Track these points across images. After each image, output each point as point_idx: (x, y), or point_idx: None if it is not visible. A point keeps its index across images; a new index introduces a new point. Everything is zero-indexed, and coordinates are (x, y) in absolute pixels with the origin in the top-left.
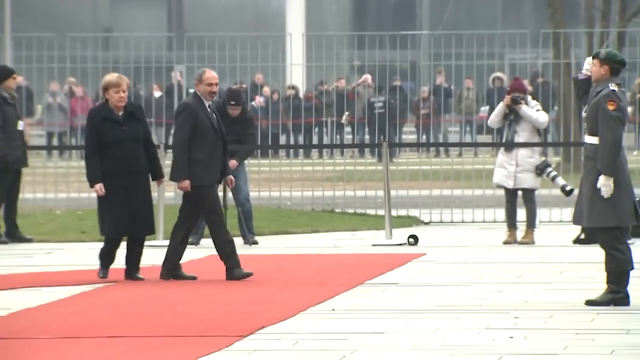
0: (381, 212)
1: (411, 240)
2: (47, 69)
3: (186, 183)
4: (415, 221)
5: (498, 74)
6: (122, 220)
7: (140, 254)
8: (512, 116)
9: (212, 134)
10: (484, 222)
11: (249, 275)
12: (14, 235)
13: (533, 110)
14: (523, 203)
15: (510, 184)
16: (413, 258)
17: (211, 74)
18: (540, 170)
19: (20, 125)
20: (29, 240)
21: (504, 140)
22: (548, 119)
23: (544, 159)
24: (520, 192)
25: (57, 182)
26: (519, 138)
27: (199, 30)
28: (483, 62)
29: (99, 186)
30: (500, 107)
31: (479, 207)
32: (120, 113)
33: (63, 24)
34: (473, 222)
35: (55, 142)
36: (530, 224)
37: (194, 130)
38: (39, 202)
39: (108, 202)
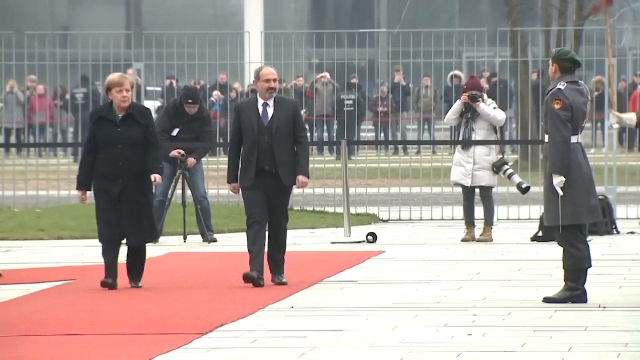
0: (340, 209)
1: (370, 237)
2: (4, 67)
3: (232, 186)
4: (374, 219)
5: (456, 72)
6: (109, 225)
7: (138, 262)
8: (469, 114)
9: (253, 134)
10: (442, 219)
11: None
12: None
13: (490, 108)
14: (481, 201)
15: (467, 182)
16: (372, 255)
17: (268, 70)
18: (497, 168)
19: None
20: None
21: (460, 138)
22: (505, 116)
23: (500, 156)
24: (477, 190)
25: (15, 180)
26: (476, 136)
27: (157, 28)
28: (441, 60)
29: (80, 193)
30: (457, 105)
31: (437, 204)
32: (122, 114)
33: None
34: (431, 219)
35: (13, 139)
36: (488, 221)
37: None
38: None
39: (97, 206)
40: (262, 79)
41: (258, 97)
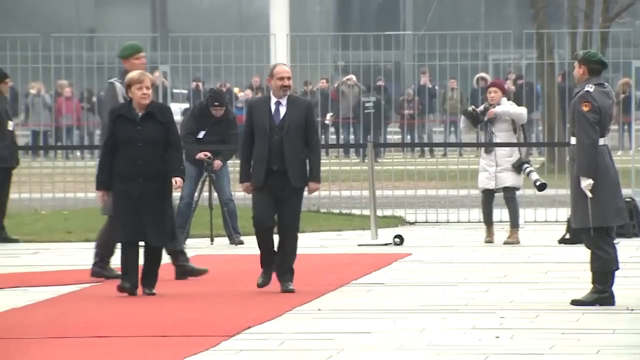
0: (366, 212)
1: (397, 240)
2: (31, 69)
3: (244, 186)
4: (401, 221)
5: (482, 74)
6: (128, 226)
7: (153, 267)
8: (487, 118)
9: (264, 132)
10: (469, 222)
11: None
12: (0, 235)
13: (508, 105)
14: (505, 203)
15: (492, 185)
16: (399, 258)
17: (282, 68)
18: (516, 168)
19: (11, 125)
20: (15, 241)
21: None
22: (526, 113)
23: (519, 157)
24: (502, 193)
25: (43, 183)
26: (496, 139)
27: (183, 30)
28: (467, 63)
29: (101, 194)
30: (462, 119)
31: (464, 207)
32: (142, 113)
33: (47, 24)
34: (458, 222)
35: (40, 142)
36: (514, 223)
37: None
38: (25, 203)
39: (116, 206)
40: (276, 76)
41: (271, 95)
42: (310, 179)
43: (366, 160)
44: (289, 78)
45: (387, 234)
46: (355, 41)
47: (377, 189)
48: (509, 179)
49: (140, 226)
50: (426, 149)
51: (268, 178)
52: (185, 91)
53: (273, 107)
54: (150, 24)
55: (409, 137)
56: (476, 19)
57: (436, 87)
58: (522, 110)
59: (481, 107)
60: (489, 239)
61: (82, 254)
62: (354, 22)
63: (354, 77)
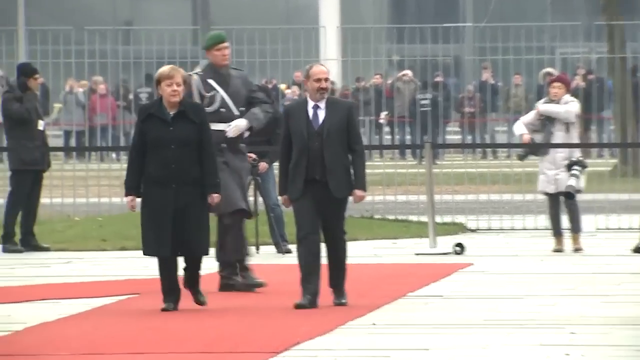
0: (424, 218)
1: (457, 249)
2: (63, 65)
3: (283, 199)
4: (461, 228)
5: (549, 69)
6: (160, 237)
7: (194, 274)
8: (545, 117)
9: (302, 139)
10: (535, 229)
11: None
12: (30, 243)
13: (554, 105)
14: (565, 207)
15: (552, 189)
16: (459, 268)
17: (318, 68)
18: (566, 167)
19: (41, 125)
20: (46, 249)
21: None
22: (574, 110)
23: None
24: (562, 197)
25: (76, 187)
26: (555, 139)
27: (226, 23)
28: (532, 57)
29: (129, 199)
30: (527, 118)
31: (530, 213)
32: (174, 111)
33: (80, 17)
34: (524, 229)
35: (72, 142)
36: (575, 228)
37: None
38: (56, 208)
39: (146, 214)
40: (313, 78)
41: (308, 98)
42: (355, 186)
43: (423, 163)
44: (326, 79)
45: (446, 242)
46: (412, 34)
47: (435, 193)
48: (562, 181)
49: (175, 238)
50: (488, 150)
51: (308, 188)
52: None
53: (311, 112)
54: (191, 16)
55: (469, 137)
56: (542, 10)
57: (499, 84)
58: (560, 109)
59: (542, 101)
60: (558, 248)
61: (118, 264)
62: (410, 13)
63: (410, 73)
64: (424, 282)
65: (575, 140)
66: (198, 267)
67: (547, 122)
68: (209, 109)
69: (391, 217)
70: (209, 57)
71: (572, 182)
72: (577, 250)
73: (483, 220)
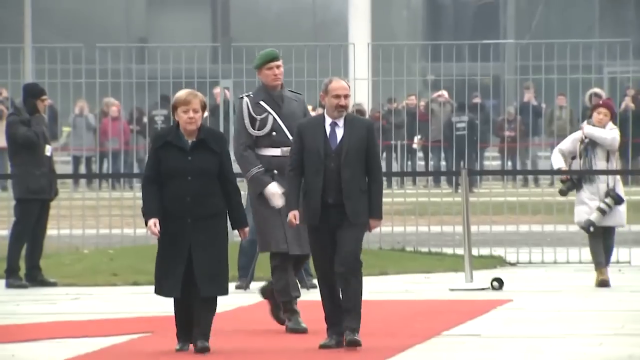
0: (460, 251)
1: (495, 284)
2: (73, 85)
3: (291, 214)
4: (500, 262)
5: (596, 89)
6: (171, 276)
7: (207, 318)
8: (587, 142)
9: (317, 159)
10: (580, 262)
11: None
12: (35, 278)
13: (602, 130)
14: (602, 240)
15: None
16: (497, 305)
17: (338, 83)
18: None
19: (48, 150)
20: (53, 284)
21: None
22: (615, 137)
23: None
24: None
25: (85, 217)
26: (597, 167)
27: (248, 39)
28: (578, 76)
29: (152, 222)
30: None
31: (574, 245)
32: (192, 140)
33: (91, 34)
34: (567, 262)
35: (82, 169)
36: (606, 261)
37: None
38: (64, 240)
39: (159, 250)
40: (331, 93)
41: (325, 115)
42: (370, 215)
43: (459, 191)
44: (346, 96)
45: (483, 277)
46: (448, 51)
47: (472, 224)
48: (617, 217)
49: (188, 277)
50: (530, 177)
51: (322, 212)
52: None
53: (328, 129)
54: (211, 32)
55: (509, 163)
56: (589, 26)
57: (542, 105)
58: (608, 135)
59: (586, 122)
60: (604, 279)
61: (130, 300)
62: (447, 29)
63: (445, 94)
64: (460, 320)
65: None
66: (211, 310)
67: (589, 147)
68: (260, 133)
69: (424, 249)
70: (260, 78)
71: (594, 217)
72: (603, 283)
73: (523, 253)
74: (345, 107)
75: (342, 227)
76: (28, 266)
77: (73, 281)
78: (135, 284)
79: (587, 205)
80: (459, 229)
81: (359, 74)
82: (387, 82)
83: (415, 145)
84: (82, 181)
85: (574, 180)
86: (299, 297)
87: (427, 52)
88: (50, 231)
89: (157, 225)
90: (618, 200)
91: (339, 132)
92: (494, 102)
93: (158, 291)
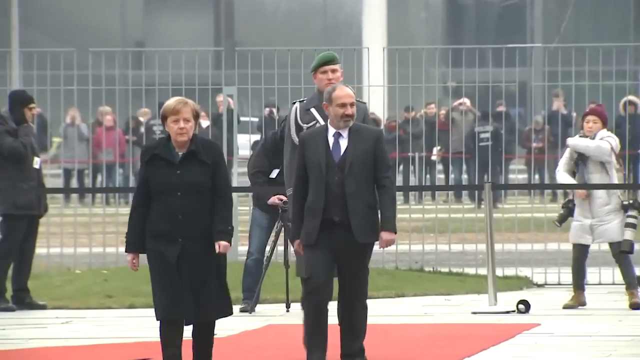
0: (483, 271)
1: (521, 306)
2: (64, 92)
3: (297, 244)
4: (526, 283)
5: (630, 97)
6: (166, 298)
7: (205, 345)
8: (577, 154)
9: (319, 173)
10: (613, 284)
11: None
12: (23, 300)
13: (583, 139)
14: (615, 262)
15: (589, 240)
16: (524, 329)
17: (343, 91)
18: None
19: (37, 162)
20: (42, 307)
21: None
22: (607, 146)
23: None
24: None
25: (77, 234)
26: (591, 182)
27: (254, 43)
28: (611, 83)
29: (131, 258)
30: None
31: (606, 265)
32: (182, 152)
33: (84, 37)
34: (599, 284)
35: (74, 183)
36: (631, 284)
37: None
38: (55, 259)
39: (152, 274)
40: (336, 102)
41: (329, 125)
42: (382, 228)
43: (482, 206)
44: (352, 104)
45: (508, 299)
46: (470, 56)
47: (496, 242)
48: (609, 232)
49: (180, 299)
50: (559, 191)
51: (325, 231)
52: (255, 119)
53: (331, 140)
54: (213, 35)
55: (536, 176)
56: (623, 28)
57: (572, 114)
58: (591, 143)
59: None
60: (570, 304)
61: (125, 324)
62: (469, 31)
63: (467, 101)
64: (482, 345)
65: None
66: (208, 336)
67: (579, 162)
68: None
69: (444, 269)
70: (316, 82)
71: (628, 235)
72: (636, 306)
73: (552, 274)
74: (351, 116)
75: (347, 248)
76: (15, 288)
77: (64, 304)
78: (131, 306)
79: (580, 222)
80: (482, 247)
81: (374, 81)
82: (404, 89)
83: (434, 157)
84: (74, 196)
85: (570, 207)
86: None
87: (448, 56)
88: (40, 250)
89: (136, 260)
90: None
91: (343, 144)
92: (520, 110)
93: (158, 315)
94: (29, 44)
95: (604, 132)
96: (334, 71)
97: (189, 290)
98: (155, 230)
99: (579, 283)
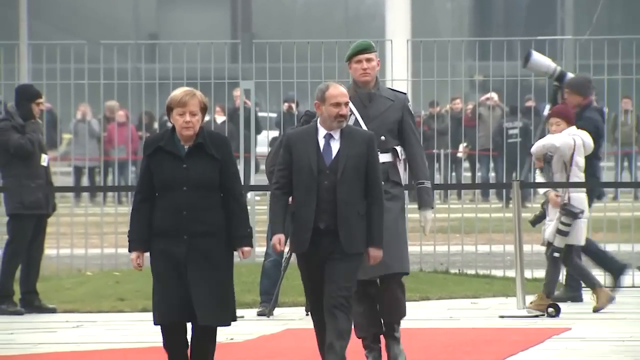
0: (511, 273)
1: (551, 310)
2: (74, 87)
3: (275, 239)
4: (558, 286)
5: None
6: (170, 301)
7: (205, 351)
8: (546, 153)
9: (309, 176)
10: None
11: None
12: (32, 303)
13: (544, 139)
14: (546, 259)
15: (574, 240)
16: (553, 334)
17: (337, 90)
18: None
19: (44, 160)
20: (52, 310)
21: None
22: (567, 141)
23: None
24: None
25: (88, 235)
26: (555, 180)
27: (272, 35)
28: None
29: (135, 255)
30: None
31: None
32: (188, 145)
33: (96, 29)
34: (633, 286)
35: (85, 181)
36: (546, 287)
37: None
38: (65, 261)
39: (155, 274)
40: (330, 101)
41: (319, 125)
42: (370, 242)
43: (511, 205)
44: (346, 104)
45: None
46: (498, 48)
47: (525, 242)
48: (550, 232)
49: (184, 302)
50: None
51: (313, 239)
52: (274, 115)
53: (322, 142)
54: (230, 28)
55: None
56: None
57: (604, 109)
58: (555, 141)
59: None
60: (598, 305)
61: (138, 328)
62: (497, 23)
63: (495, 96)
64: (511, 351)
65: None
66: (209, 342)
67: (545, 163)
68: None
69: (471, 271)
70: (350, 72)
71: (557, 241)
72: (539, 312)
73: None
74: (345, 116)
75: (333, 257)
76: (23, 290)
77: (74, 307)
78: (144, 310)
79: (548, 225)
80: (510, 248)
81: (397, 74)
82: (429, 83)
83: (460, 154)
84: (85, 195)
85: (545, 209)
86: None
87: (475, 49)
88: (49, 251)
89: (141, 258)
90: (573, 214)
91: (335, 146)
92: (549, 105)
93: (156, 320)
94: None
95: (570, 131)
96: (369, 60)
97: (195, 291)
98: (159, 228)
99: (589, 283)
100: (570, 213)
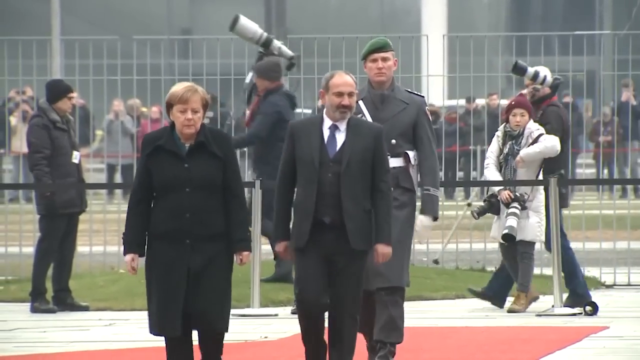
0: (547, 271)
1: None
2: (107, 83)
3: (281, 246)
4: (594, 283)
5: None
6: (169, 310)
7: (213, 353)
8: (507, 150)
9: (311, 169)
10: None
11: None
12: (64, 301)
13: (534, 147)
14: (517, 259)
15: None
16: (591, 333)
17: (342, 79)
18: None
19: (76, 157)
20: (84, 308)
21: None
22: (555, 144)
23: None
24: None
25: (121, 232)
26: (517, 177)
27: (306, 31)
28: None
29: (130, 258)
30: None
31: None
32: (189, 143)
33: (129, 25)
34: None
35: (118, 178)
36: (521, 285)
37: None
38: (97, 258)
39: (151, 280)
40: (333, 90)
41: (324, 116)
42: (378, 239)
43: (548, 203)
44: (350, 94)
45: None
46: (535, 44)
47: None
48: (523, 229)
49: (178, 314)
50: (629, 187)
51: (316, 235)
52: (308, 111)
53: (326, 133)
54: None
55: (605, 171)
56: None
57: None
58: (544, 148)
59: (499, 131)
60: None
61: None
62: (534, 18)
63: None
64: (547, 349)
65: (535, 176)
66: (217, 347)
67: (509, 157)
68: None
69: None
70: (365, 71)
71: (512, 222)
72: (517, 311)
73: (621, 274)
74: (349, 107)
75: (339, 256)
76: (56, 288)
77: (108, 305)
78: None
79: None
80: None
81: (433, 70)
82: (465, 78)
83: None
84: (118, 192)
85: (492, 202)
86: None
87: (512, 44)
88: (82, 248)
89: (136, 262)
90: (522, 201)
91: (340, 138)
92: (587, 102)
93: (153, 330)
94: (70, 32)
95: (533, 125)
96: (384, 59)
97: (198, 297)
98: (159, 230)
99: (519, 284)
100: (518, 199)
